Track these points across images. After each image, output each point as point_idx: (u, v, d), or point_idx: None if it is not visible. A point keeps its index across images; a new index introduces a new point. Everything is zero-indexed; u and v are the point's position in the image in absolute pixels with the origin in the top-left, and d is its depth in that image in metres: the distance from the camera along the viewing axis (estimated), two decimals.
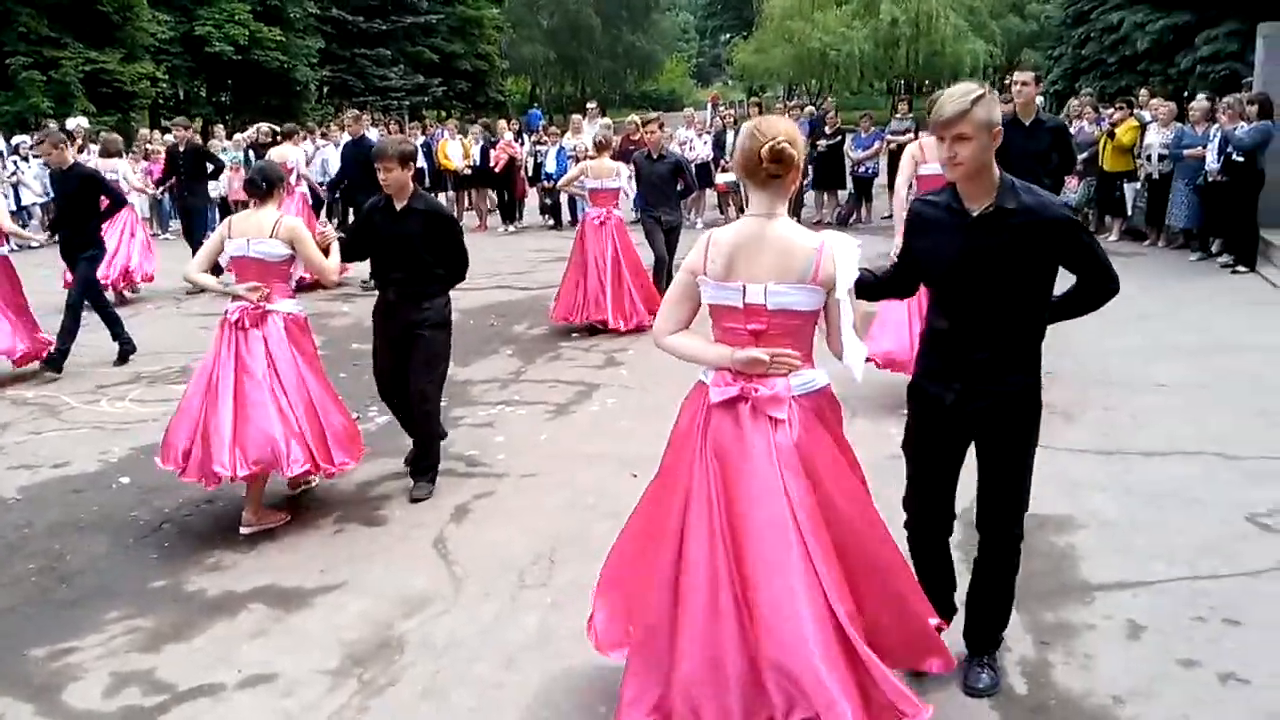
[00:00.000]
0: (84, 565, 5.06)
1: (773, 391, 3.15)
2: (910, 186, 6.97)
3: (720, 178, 17.17)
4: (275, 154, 13.26)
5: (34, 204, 17.60)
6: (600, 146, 9.91)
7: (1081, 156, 12.08)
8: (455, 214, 18.06)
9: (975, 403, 3.43)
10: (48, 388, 8.32)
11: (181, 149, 13.48)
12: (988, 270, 3.32)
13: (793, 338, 3.19)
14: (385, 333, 5.85)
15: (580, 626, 4.20)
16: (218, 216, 17.05)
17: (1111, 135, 13.66)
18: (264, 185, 5.48)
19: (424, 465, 5.88)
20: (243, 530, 5.27)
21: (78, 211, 9.01)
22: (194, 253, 12.07)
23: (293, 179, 13.05)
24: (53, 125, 17.22)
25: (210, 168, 13.61)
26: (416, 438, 5.93)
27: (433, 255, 5.68)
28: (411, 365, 5.73)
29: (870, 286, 3.64)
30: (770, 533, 3.08)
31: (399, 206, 5.64)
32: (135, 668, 4.08)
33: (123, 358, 9.11)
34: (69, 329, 8.79)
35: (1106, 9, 28.12)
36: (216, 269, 5.72)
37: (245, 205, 5.54)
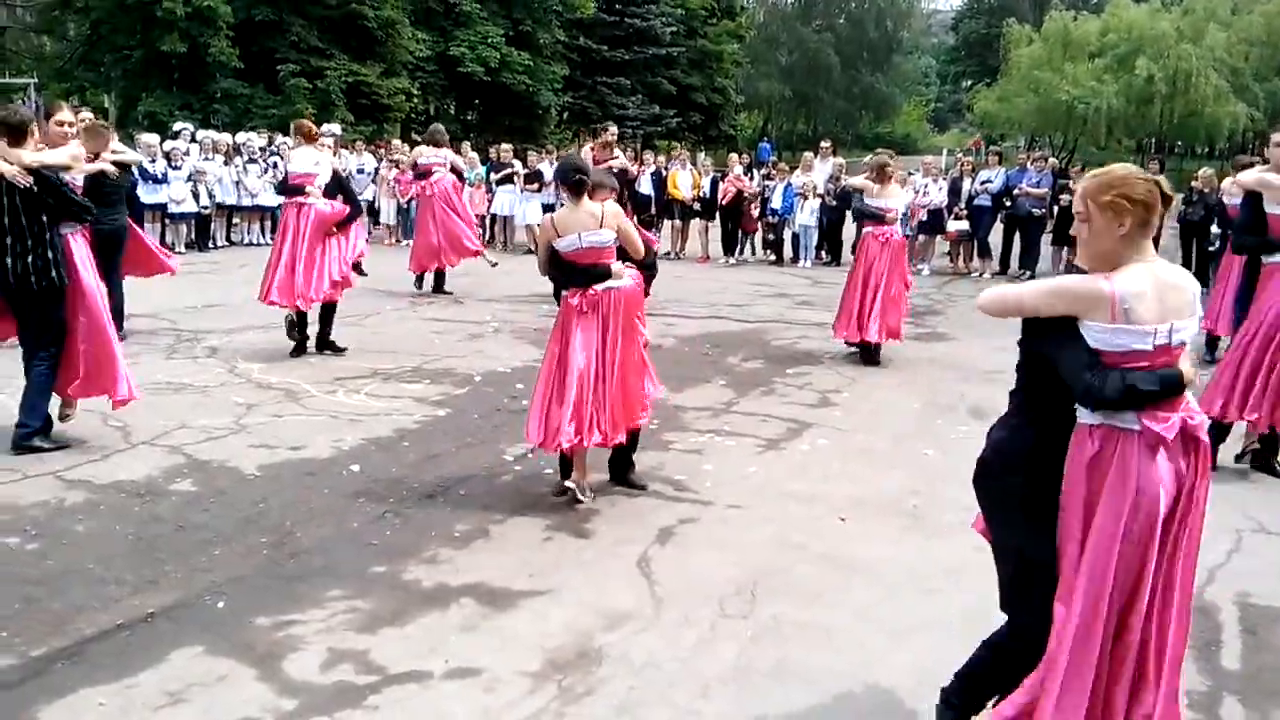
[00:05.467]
0: (311, 544, 5.35)
1: (1199, 418, 3.09)
2: None
3: (951, 225, 16.81)
4: None
5: None
6: (882, 175, 9.98)
7: None
8: (680, 245, 18.49)
9: None
10: (291, 375, 8.87)
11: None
12: None
13: None
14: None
15: (777, 663, 4.18)
16: None
17: None
18: (579, 178, 5.76)
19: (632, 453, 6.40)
20: (567, 484, 5.89)
21: None
22: None
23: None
24: (326, 127, 18.48)
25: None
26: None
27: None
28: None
29: None
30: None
31: None
32: (351, 646, 4.28)
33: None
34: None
35: None
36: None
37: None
